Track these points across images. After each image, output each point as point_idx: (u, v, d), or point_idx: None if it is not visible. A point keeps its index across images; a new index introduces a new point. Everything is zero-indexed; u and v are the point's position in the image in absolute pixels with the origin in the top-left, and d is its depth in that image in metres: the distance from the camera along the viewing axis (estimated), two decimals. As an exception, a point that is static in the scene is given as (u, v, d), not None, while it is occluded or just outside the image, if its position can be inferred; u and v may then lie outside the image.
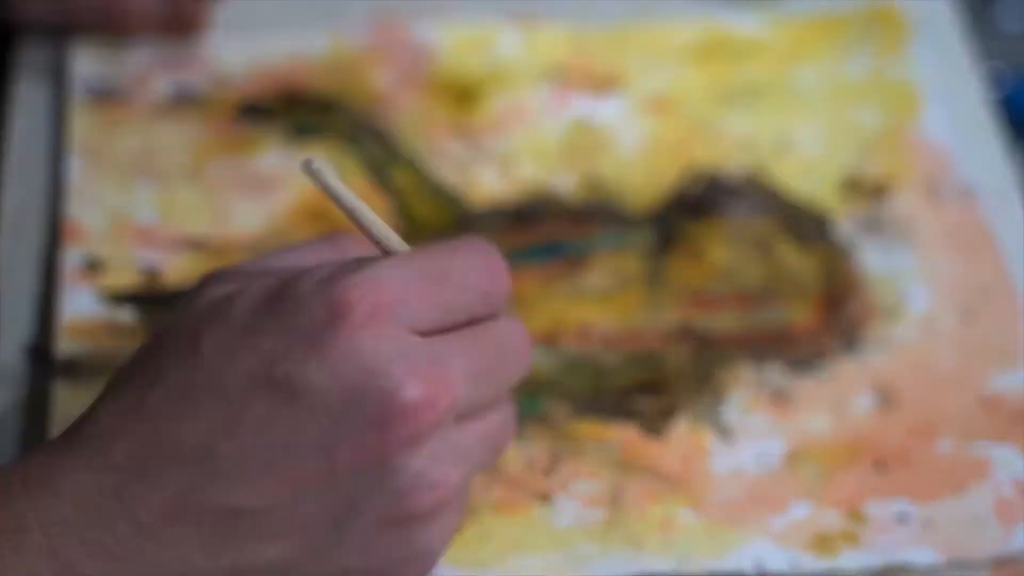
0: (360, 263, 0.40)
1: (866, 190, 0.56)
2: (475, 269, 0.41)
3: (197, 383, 0.39)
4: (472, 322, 0.41)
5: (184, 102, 0.57)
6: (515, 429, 0.44)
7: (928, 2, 0.62)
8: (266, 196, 0.55)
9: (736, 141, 0.58)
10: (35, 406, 0.49)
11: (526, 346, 0.42)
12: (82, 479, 0.38)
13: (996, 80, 0.64)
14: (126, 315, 0.51)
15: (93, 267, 0.52)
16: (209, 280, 0.42)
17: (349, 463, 0.38)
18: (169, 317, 0.42)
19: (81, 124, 0.56)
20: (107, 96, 0.57)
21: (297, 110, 0.57)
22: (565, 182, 0.56)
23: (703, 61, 0.60)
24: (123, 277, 0.52)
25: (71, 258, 0.52)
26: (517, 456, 0.49)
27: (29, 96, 0.58)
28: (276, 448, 0.38)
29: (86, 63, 0.57)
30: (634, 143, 0.57)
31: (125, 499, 0.38)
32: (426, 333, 0.39)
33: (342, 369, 0.38)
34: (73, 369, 0.50)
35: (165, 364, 0.40)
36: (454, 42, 0.59)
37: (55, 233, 0.54)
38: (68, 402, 0.49)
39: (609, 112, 0.58)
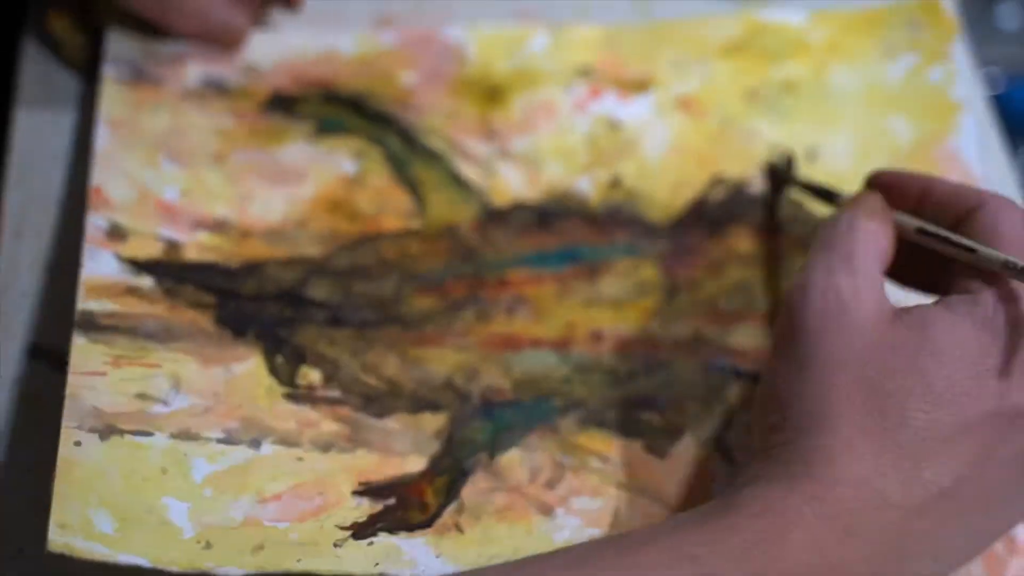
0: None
1: None
2: None
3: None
4: None
5: (214, 90, 0.57)
6: None
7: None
8: (288, 186, 0.55)
9: (765, 148, 0.57)
10: (35, 406, 0.49)
11: None
12: None
13: (993, 79, 0.64)
14: (146, 282, 0.51)
15: (116, 233, 0.52)
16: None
17: None
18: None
19: (110, 100, 0.56)
20: (138, 78, 0.57)
21: (324, 105, 0.57)
22: (589, 184, 0.56)
23: (738, 59, 0.59)
24: (145, 247, 0.52)
25: (95, 221, 0.52)
26: (522, 465, 0.49)
27: (33, 91, 0.57)
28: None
29: (119, 48, 0.57)
30: (661, 148, 0.57)
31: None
32: None
33: None
34: (91, 324, 0.49)
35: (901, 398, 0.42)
36: (483, 43, 0.59)
37: (77, 201, 0.53)
38: (84, 355, 0.49)
39: (637, 113, 0.58)
